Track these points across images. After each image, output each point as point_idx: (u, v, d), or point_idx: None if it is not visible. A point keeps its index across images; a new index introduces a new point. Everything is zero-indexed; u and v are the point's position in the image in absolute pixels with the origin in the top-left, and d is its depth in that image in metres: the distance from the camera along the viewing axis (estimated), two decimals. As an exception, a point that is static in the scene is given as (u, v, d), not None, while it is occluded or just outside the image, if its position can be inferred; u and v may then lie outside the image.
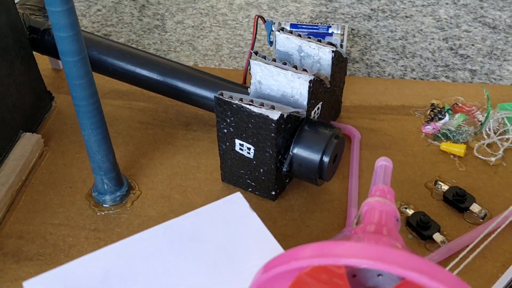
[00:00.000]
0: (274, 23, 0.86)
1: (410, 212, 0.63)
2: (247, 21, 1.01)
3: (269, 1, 1.06)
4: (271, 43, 0.86)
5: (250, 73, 0.66)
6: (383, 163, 0.47)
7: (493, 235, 0.58)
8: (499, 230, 0.58)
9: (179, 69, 0.75)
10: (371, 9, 1.03)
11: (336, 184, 0.68)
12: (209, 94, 0.72)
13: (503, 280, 0.54)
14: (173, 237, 0.45)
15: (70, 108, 0.79)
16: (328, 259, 0.30)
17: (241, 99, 0.59)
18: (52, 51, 0.78)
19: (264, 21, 0.85)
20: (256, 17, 0.82)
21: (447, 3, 1.04)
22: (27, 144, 0.71)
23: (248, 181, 0.65)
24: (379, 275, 0.34)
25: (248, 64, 0.81)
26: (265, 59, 0.64)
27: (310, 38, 0.67)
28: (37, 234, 0.62)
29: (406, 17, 1.01)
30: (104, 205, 0.64)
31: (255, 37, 0.82)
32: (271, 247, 0.43)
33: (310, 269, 0.33)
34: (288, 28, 0.85)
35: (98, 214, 0.64)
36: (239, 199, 0.48)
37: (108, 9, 1.02)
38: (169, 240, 0.44)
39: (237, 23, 1.00)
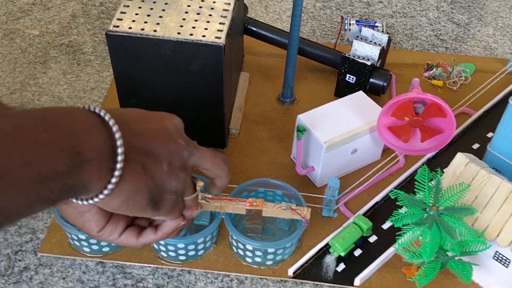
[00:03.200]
0: (347, 19, 1.68)
1: (419, 107, 1.46)
2: (325, 16, 1.82)
3: (336, 5, 1.86)
4: (345, 30, 1.68)
5: (349, 41, 1.47)
6: (416, 79, 1.30)
7: (454, 114, 1.43)
8: (456, 112, 1.42)
9: (307, 42, 1.55)
10: (393, 11, 1.85)
11: (387, 96, 1.50)
12: (324, 54, 1.53)
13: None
14: (341, 103, 1.27)
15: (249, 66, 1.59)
16: (409, 95, 1.12)
17: (354, 56, 1.41)
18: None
19: (342, 18, 1.67)
20: (341, 17, 1.64)
21: (433, 9, 1.87)
22: (246, 78, 1.50)
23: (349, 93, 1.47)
24: (419, 108, 1.16)
25: (337, 40, 1.63)
26: (356, 38, 1.45)
27: (375, 29, 1.49)
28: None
29: (412, 17, 1.83)
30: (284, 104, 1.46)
31: (341, 27, 1.64)
32: (378, 108, 1.26)
33: (401, 103, 1.15)
34: (355, 23, 1.68)
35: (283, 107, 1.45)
36: (362, 93, 1.30)
37: None
38: (340, 104, 1.26)
39: (320, 18, 1.81)
